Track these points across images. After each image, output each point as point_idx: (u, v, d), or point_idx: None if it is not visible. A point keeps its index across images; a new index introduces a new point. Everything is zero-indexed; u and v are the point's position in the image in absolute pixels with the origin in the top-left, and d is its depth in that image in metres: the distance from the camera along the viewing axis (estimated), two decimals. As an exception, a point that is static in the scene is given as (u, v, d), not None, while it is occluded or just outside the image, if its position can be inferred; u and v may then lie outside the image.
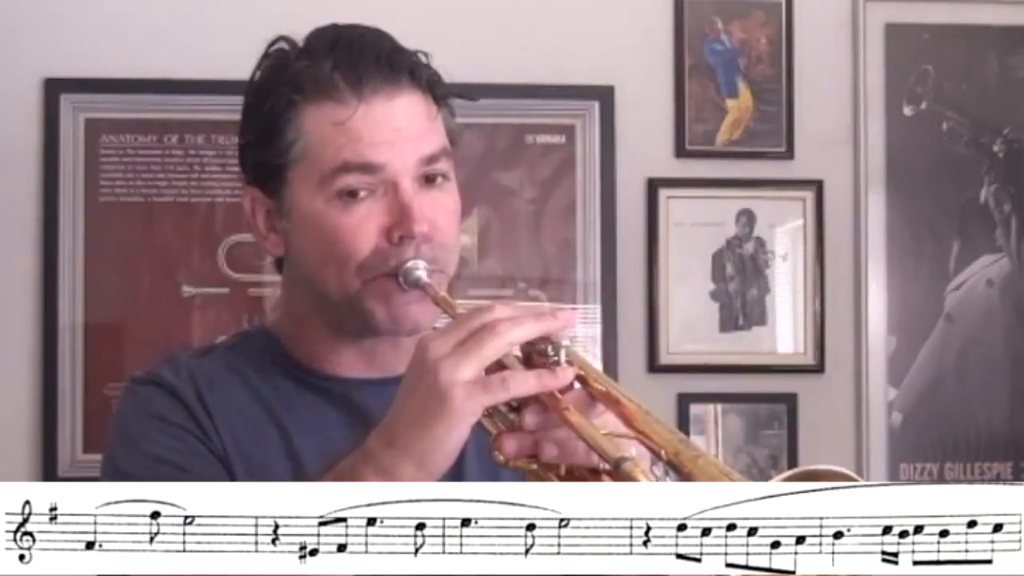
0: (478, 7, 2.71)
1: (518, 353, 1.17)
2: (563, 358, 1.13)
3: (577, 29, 2.73)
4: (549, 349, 1.13)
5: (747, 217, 2.75)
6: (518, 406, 1.16)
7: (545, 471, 1.16)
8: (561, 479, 1.16)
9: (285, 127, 1.33)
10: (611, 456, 1.07)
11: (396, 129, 1.31)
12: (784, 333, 2.78)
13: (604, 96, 2.73)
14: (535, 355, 1.15)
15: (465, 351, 1.11)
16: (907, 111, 2.81)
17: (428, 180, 1.33)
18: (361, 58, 1.32)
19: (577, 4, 2.75)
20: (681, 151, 2.74)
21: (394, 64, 1.33)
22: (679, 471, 1.05)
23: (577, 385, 1.16)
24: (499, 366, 1.16)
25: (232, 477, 1.30)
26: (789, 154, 2.78)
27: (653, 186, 2.72)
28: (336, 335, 1.37)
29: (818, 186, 2.77)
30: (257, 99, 1.37)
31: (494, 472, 1.37)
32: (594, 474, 1.13)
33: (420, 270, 1.29)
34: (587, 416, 1.12)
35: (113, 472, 1.32)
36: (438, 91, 1.36)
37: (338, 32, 1.35)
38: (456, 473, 1.36)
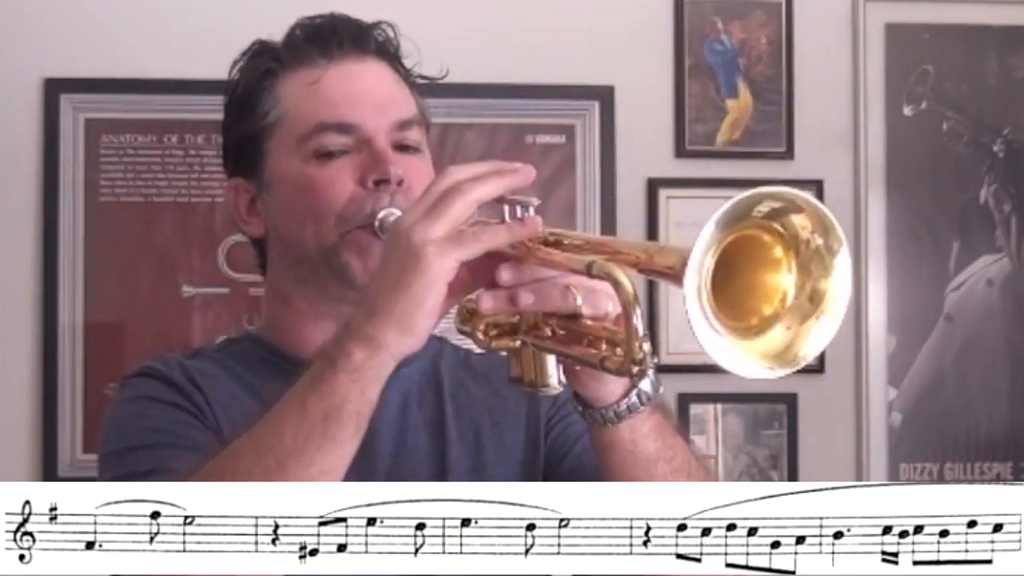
0: (478, 7, 2.71)
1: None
2: (531, 212, 1.15)
3: (577, 29, 2.73)
4: (518, 208, 1.15)
5: (747, 217, 2.74)
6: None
7: (528, 338, 1.16)
8: (543, 339, 1.15)
9: (262, 96, 1.40)
10: (582, 263, 1.08)
11: (367, 90, 1.38)
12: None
13: (604, 96, 2.73)
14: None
15: (434, 214, 1.12)
16: (907, 111, 2.81)
17: (402, 149, 1.38)
18: (332, 30, 1.40)
19: (577, 4, 2.75)
20: (681, 151, 2.74)
21: (362, 34, 1.41)
22: (651, 268, 1.06)
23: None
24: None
25: None
26: (789, 154, 2.77)
27: (653, 186, 2.72)
28: (319, 310, 1.39)
29: (818, 186, 2.77)
30: (237, 82, 1.44)
31: (478, 457, 1.38)
32: (574, 320, 1.13)
33: (397, 215, 1.30)
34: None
35: (109, 454, 1.33)
36: (405, 66, 1.44)
37: (309, 21, 1.43)
38: (440, 465, 1.37)
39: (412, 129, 1.39)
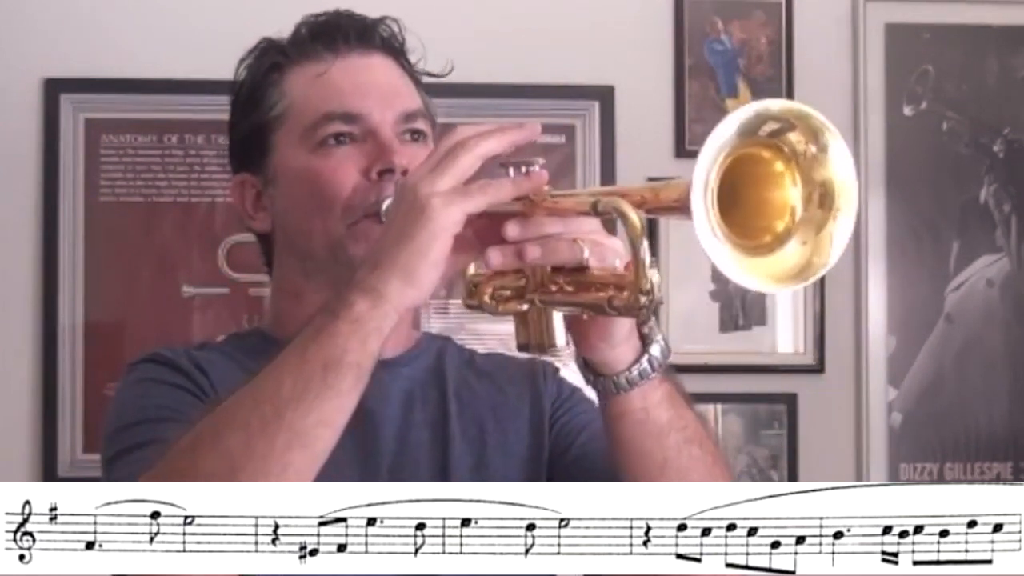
0: (478, 7, 2.71)
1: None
2: (537, 168, 1.15)
3: (577, 29, 2.73)
4: (523, 167, 1.15)
5: (747, 217, 2.74)
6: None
7: (535, 295, 1.16)
8: (551, 294, 1.15)
9: (269, 90, 1.41)
10: (588, 204, 1.09)
11: (374, 82, 1.39)
12: (784, 333, 2.78)
13: (604, 96, 2.73)
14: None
15: (441, 168, 1.13)
16: (907, 111, 2.81)
17: (407, 140, 1.38)
18: (337, 26, 1.41)
19: (577, 4, 2.75)
20: (681, 151, 2.74)
21: (367, 30, 1.41)
22: (657, 206, 1.07)
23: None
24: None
25: None
26: (789, 154, 2.77)
27: (653, 186, 2.71)
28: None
29: (818, 186, 2.77)
30: (244, 77, 1.45)
31: (480, 455, 1.38)
32: (581, 273, 1.13)
33: None
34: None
35: (112, 432, 1.33)
36: (411, 61, 1.44)
37: (315, 18, 1.43)
38: (442, 462, 1.37)
39: (417, 121, 1.40)
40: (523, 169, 1.15)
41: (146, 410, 1.31)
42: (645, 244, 1.05)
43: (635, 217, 1.05)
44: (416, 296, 1.13)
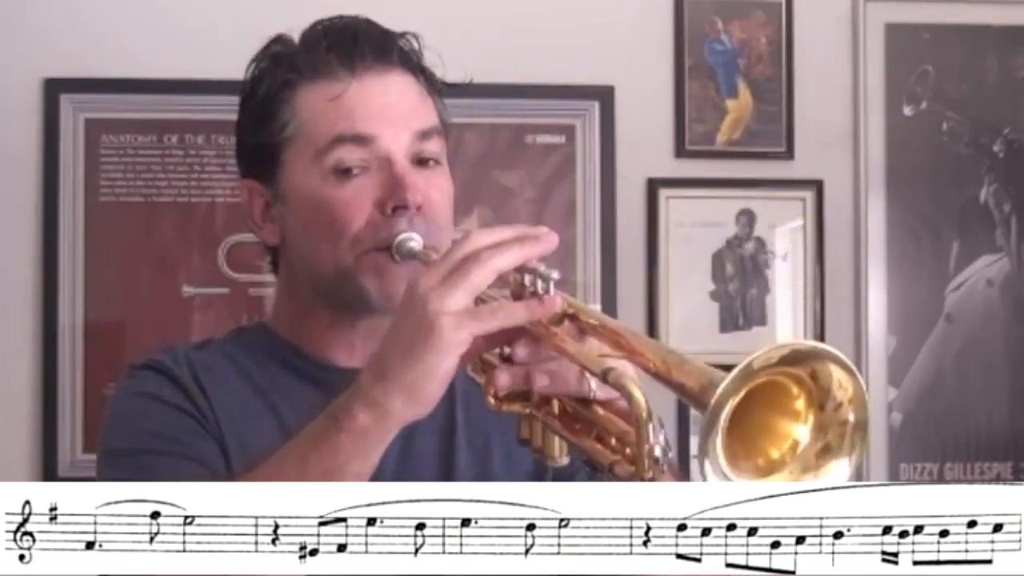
0: (478, 7, 2.71)
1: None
2: (551, 289, 1.13)
3: (577, 29, 2.73)
4: (539, 283, 1.13)
5: (747, 217, 2.75)
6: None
7: (538, 412, 1.15)
8: (553, 418, 1.15)
9: (280, 107, 1.37)
10: (599, 369, 1.06)
11: (388, 104, 1.35)
12: (784, 333, 2.78)
13: (604, 96, 2.73)
14: (524, 290, 1.15)
15: (452, 282, 1.11)
16: (907, 111, 2.81)
17: (421, 163, 1.35)
18: (354, 41, 1.36)
19: (577, 4, 2.75)
20: (681, 151, 2.74)
21: (385, 45, 1.38)
22: (667, 380, 1.03)
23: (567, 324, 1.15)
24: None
25: (227, 460, 1.30)
26: (789, 154, 2.77)
27: (653, 186, 2.72)
28: (333, 321, 1.38)
29: (818, 186, 2.77)
30: (254, 86, 1.41)
31: (485, 465, 1.38)
32: (585, 404, 1.12)
33: (414, 241, 1.30)
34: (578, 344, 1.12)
35: (108, 452, 1.33)
36: (428, 75, 1.41)
37: (331, 22, 1.40)
38: (446, 471, 1.37)
39: (432, 140, 1.37)
40: (538, 283, 1.13)
41: (145, 438, 1.30)
42: (651, 427, 1.03)
43: (641, 399, 1.03)
44: (421, 412, 1.13)
